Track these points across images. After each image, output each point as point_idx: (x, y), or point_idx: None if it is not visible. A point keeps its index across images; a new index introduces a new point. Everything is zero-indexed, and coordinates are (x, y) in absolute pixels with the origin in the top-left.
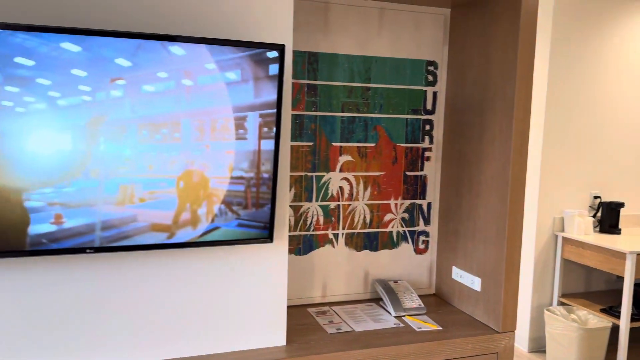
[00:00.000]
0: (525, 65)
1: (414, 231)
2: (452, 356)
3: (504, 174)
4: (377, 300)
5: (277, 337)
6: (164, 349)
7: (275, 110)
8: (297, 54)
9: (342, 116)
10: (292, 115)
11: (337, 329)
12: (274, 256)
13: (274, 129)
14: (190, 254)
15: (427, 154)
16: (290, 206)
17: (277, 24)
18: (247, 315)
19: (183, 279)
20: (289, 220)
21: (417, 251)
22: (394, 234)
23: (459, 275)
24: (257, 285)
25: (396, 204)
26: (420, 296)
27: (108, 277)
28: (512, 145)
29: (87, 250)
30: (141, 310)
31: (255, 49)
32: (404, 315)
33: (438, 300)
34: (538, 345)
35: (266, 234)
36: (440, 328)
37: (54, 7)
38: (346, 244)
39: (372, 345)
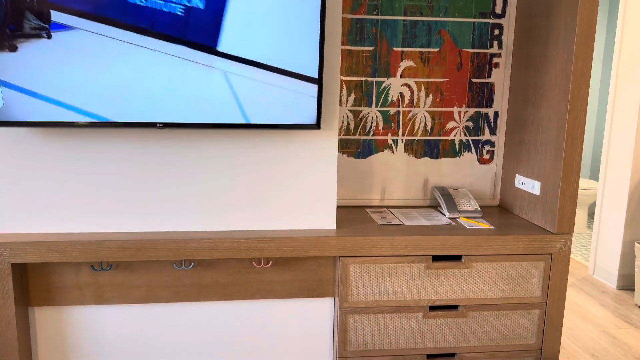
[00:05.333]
0: None
1: (479, 141)
2: (502, 252)
3: (566, 70)
4: (435, 207)
5: (327, 220)
6: (226, 221)
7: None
8: None
9: (404, 20)
10: (353, 19)
11: (388, 222)
12: (324, 144)
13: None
14: (246, 137)
15: (495, 60)
16: (350, 111)
17: None
18: (300, 198)
19: (241, 160)
20: (349, 124)
21: (481, 161)
22: (457, 143)
23: (521, 182)
24: (309, 170)
25: (460, 112)
26: (483, 207)
27: (175, 152)
28: (576, 37)
29: (158, 125)
30: (211, 185)
31: None
32: (458, 217)
33: (501, 210)
34: (628, 283)
35: (314, 122)
36: (493, 227)
37: None
38: (405, 150)
39: (417, 234)
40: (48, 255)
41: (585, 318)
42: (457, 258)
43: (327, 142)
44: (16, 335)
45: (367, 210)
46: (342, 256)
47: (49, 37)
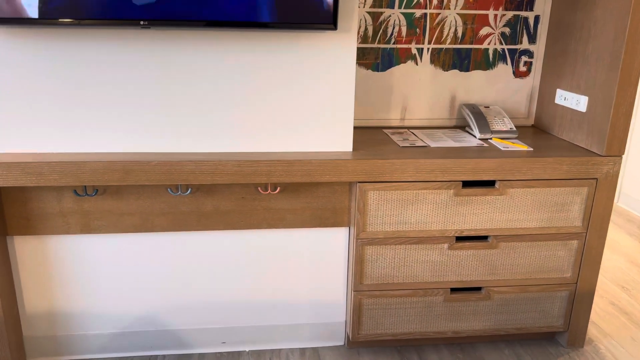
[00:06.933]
0: None
1: (515, 50)
2: (542, 177)
3: None
4: (463, 127)
5: (343, 141)
6: (228, 141)
7: None
8: None
9: None
10: None
11: (411, 144)
12: (340, 49)
13: None
14: (248, 40)
15: None
16: (368, 13)
17: None
18: (312, 114)
19: (243, 68)
20: (367, 29)
21: (517, 74)
22: (490, 53)
23: (563, 97)
24: (322, 81)
25: (496, 16)
26: (516, 127)
27: (170, 56)
28: None
29: (141, 23)
30: (210, 99)
31: None
32: (490, 138)
33: (536, 130)
34: None
35: (329, 21)
36: (531, 149)
37: None
38: (432, 61)
39: (445, 157)
40: (22, 179)
41: (612, 248)
42: (489, 184)
43: (344, 47)
44: None
45: (385, 131)
46: (359, 182)
47: None
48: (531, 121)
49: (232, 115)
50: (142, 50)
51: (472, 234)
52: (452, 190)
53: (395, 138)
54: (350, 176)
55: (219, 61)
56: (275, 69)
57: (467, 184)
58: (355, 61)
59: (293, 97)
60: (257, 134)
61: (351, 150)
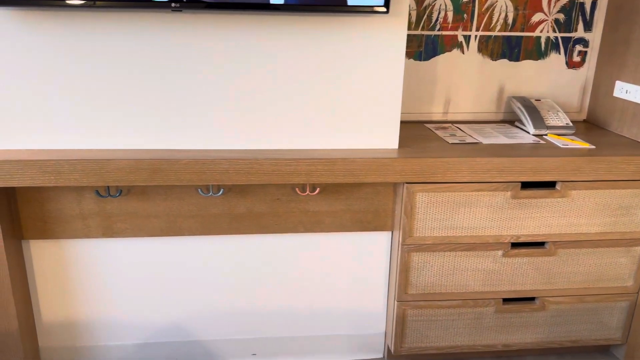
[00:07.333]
0: None
1: (569, 38)
2: (606, 177)
3: None
4: (511, 122)
5: (388, 138)
6: (264, 137)
7: None
8: None
9: None
10: None
11: (460, 140)
12: (390, 36)
13: None
14: (290, 25)
15: None
16: None
17: None
18: (356, 107)
19: (284, 57)
20: (410, 14)
21: (570, 64)
22: (542, 41)
23: (624, 90)
24: (368, 71)
25: (550, 1)
26: None
27: (203, 41)
28: None
29: (172, 5)
30: (245, 91)
31: None
32: (545, 134)
33: (590, 126)
34: None
35: (381, 3)
36: (593, 147)
37: None
38: (479, 49)
39: (502, 156)
40: (40, 178)
41: None
42: (549, 185)
43: (394, 33)
44: (8, 272)
45: (427, 125)
46: (407, 182)
47: None
48: (583, 115)
49: (269, 109)
50: (171, 37)
51: (529, 239)
52: (509, 192)
53: (440, 134)
54: (397, 176)
55: (255, 49)
56: (318, 57)
57: (524, 185)
58: (404, 48)
59: (335, 89)
60: (295, 130)
61: (397, 147)
